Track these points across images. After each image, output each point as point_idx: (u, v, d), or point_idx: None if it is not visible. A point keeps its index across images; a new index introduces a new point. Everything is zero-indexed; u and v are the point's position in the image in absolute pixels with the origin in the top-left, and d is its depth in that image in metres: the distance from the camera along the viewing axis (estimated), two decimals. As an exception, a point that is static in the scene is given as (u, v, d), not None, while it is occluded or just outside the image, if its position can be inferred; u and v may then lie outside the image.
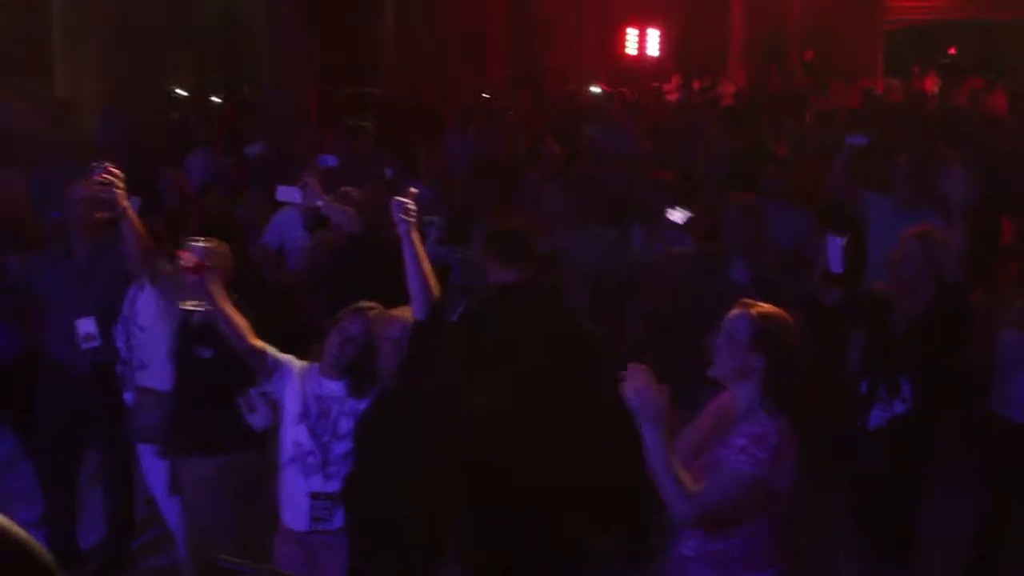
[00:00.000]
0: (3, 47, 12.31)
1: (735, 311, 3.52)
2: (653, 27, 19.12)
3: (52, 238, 5.83)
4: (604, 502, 5.17)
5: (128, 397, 5.47)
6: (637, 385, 3.27)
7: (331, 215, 6.09)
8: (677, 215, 6.11)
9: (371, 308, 4.45)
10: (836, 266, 5.26)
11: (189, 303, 4.48)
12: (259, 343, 4.47)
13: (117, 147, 8.76)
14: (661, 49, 19.20)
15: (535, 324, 4.68)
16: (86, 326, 5.49)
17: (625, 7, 19.81)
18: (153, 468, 5.49)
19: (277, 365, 4.46)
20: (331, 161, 6.92)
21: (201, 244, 4.50)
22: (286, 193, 6.36)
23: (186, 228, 6.84)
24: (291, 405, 4.43)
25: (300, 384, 4.43)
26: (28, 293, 5.65)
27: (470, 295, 5.31)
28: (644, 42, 19.17)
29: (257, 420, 4.78)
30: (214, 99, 13.99)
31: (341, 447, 4.32)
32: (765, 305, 3.54)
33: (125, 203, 5.05)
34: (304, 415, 4.38)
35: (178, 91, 14.46)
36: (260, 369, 4.48)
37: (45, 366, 5.69)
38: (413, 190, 4.26)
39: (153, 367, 5.35)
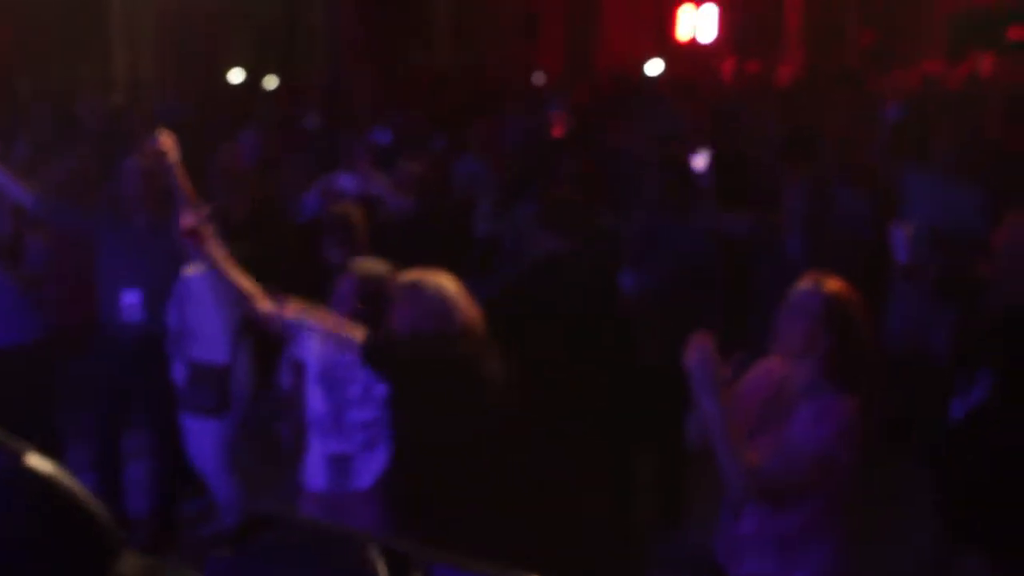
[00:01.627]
0: (66, 34, 12.53)
1: (806, 285, 3.43)
2: (709, 4, 18.93)
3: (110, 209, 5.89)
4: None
5: (179, 371, 5.53)
6: (699, 355, 3.24)
7: (388, 201, 6.14)
8: (699, 160, 6.04)
9: (369, 265, 4.40)
10: (901, 256, 5.19)
11: (190, 268, 4.48)
12: (271, 306, 4.43)
13: (173, 129, 8.91)
14: (717, 30, 19.03)
15: (575, 291, 4.69)
16: (130, 297, 5.53)
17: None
18: (204, 440, 5.57)
19: (297, 327, 4.41)
20: (384, 136, 6.96)
21: (201, 207, 4.49)
22: (344, 181, 6.43)
23: (234, 207, 6.94)
24: (312, 367, 4.42)
25: (321, 345, 4.39)
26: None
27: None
28: (699, 23, 19.01)
29: (284, 382, 4.86)
30: (270, 79, 14.09)
31: (358, 413, 4.32)
32: (835, 281, 3.45)
33: (179, 173, 5.07)
34: (322, 377, 4.38)
35: (234, 73, 14.59)
36: (278, 332, 4.48)
37: (96, 336, 5.78)
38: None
39: (207, 340, 5.43)
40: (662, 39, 19.69)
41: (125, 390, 5.75)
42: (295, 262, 6.18)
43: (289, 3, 16.52)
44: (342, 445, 4.34)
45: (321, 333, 4.35)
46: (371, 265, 4.41)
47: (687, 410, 3.48)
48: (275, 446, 5.82)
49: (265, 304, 4.42)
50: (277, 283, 4.51)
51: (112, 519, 1.94)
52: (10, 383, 6.04)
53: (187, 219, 4.35)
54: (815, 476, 3.32)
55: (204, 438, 5.57)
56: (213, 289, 5.29)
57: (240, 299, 4.45)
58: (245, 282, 4.42)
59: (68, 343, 6.11)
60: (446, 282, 4.08)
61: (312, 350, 4.41)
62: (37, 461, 1.86)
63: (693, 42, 19.08)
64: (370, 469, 4.36)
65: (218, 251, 4.42)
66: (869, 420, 3.40)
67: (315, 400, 4.41)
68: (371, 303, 4.27)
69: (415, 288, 4.05)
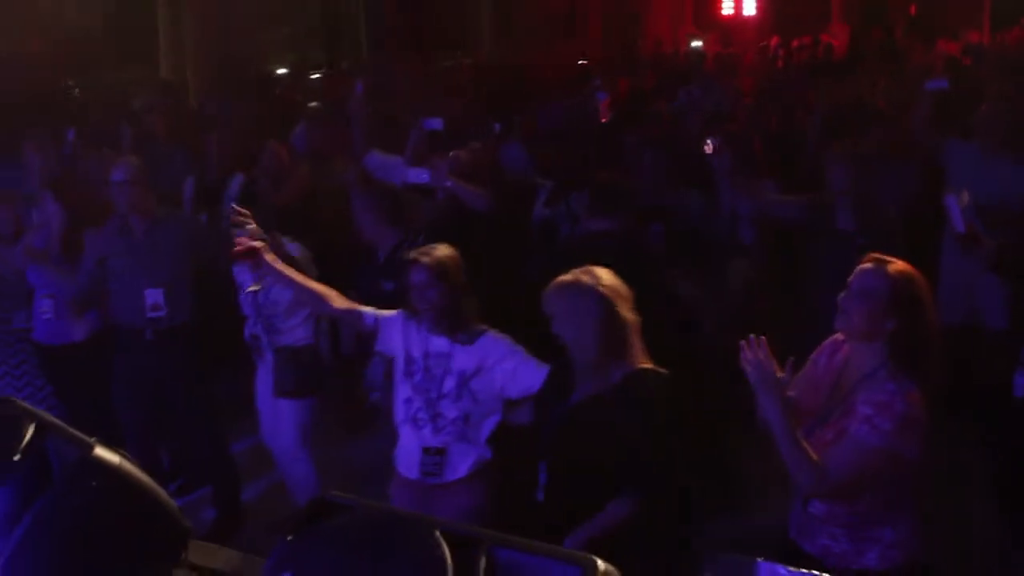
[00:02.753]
0: (115, 34, 12.72)
1: (869, 267, 3.36)
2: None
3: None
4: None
5: (267, 359, 5.69)
6: (754, 357, 3.20)
7: (461, 195, 6.16)
8: (708, 145, 5.98)
9: (431, 251, 4.33)
10: (959, 225, 5.13)
11: (251, 286, 4.54)
12: (347, 304, 4.47)
13: (220, 124, 9.02)
14: (758, 7, 18.90)
15: (616, 268, 4.68)
16: (153, 296, 5.70)
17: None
18: (286, 422, 5.70)
19: (377, 323, 4.45)
20: (436, 124, 6.99)
21: (250, 226, 4.53)
22: (416, 175, 6.47)
23: (287, 200, 7.02)
24: (397, 362, 4.44)
25: (403, 339, 4.41)
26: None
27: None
28: (740, 2, 18.88)
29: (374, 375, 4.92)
30: (314, 75, 14.19)
31: (451, 409, 4.30)
32: (900, 262, 3.38)
33: (263, 250, 4.84)
34: (408, 372, 4.39)
35: (278, 68, 14.73)
36: (360, 330, 4.52)
37: (115, 334, 5.93)
38: None
39: (285, 329, 5.59)
40: (704, 18, 19.59)
41: (158, 382, 5.89)
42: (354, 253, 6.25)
43: (330, 1, 16.63)
44: (438, 438, 4.34)
45: (408, 326, 4.37)
46: (440, 251, 4.34)
47: (744, 393, 3.45)
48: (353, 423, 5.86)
49: (343, 303, 4.48)
50: (339, 275, 4.55)
51: (178, 508, 1.99)
52: (70, 379, 6.23)
53: (240, 241, 4.41)
54: (880, 470, 3.29)
55: (286, 420, 5.70)
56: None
57: (315, 302, 4.48)
58: (317, 286, 4.47)
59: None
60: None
61: (397, 344, 4.43)
62: (105, 453, 1.91)
63: (737, 18, 18.97)
64: (466, 460, 4.37)
65: (279, 264, 4.46)
66: (932, 404, 3.34)
67: (405, 393, 4.41)
68: (451, 291, 4.27)
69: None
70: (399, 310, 4.47)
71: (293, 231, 5.49)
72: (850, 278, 3.39)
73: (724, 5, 19.13)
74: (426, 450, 4.33)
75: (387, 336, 4.45)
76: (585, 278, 3.73)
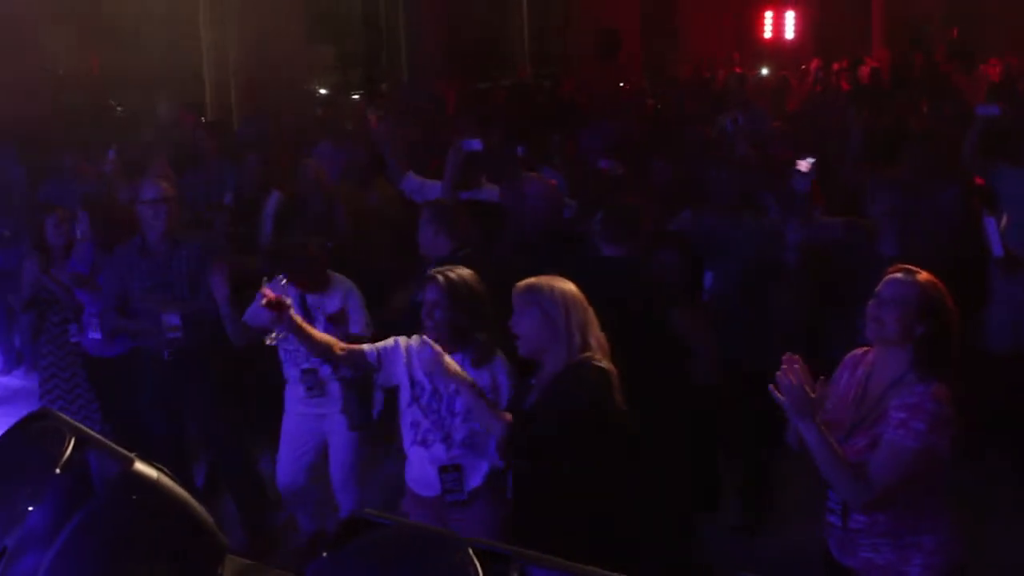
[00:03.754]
0: (162, 61, 12.94)
1: (899, 276, 3.49)
2: (790, 10, 18.83)
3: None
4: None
5: (331, 392, 5.63)
6: (788, 387, 3.26)
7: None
8: (804, 164, 5.94)
9: (445, 271, 4.34)
10: (996, 248, 5.07)
11: (270, 336, 4.63)
12: (348, 347, 4.50)
13: (259, 144, 9.12)
14: (797, 32, 18.88)
15: (618, 295, 4.67)
16: (171, 319, 5.74)
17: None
18: (341, 455, 5.69)
19: (379, 358, 4.45)
20: (476, 145, 7.03)
21: (281, 280, 4.59)
22: (488, 194, 6.58)
23: (331, 219, 7.08)
24: (403, 390, 4.45)
25: (407, 366, 4.42)
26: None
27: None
28: (780, 26, 18.87)
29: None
30: (354, 95, 14.33)
31: (461, 428, 4.30)
32: (925, 272, 3.51)
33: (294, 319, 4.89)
34: (415, 397, 4.39)
35: (321, 89, 14.88)
36: (365, 369, 4.53)
37: (142, 356, 6.00)
38: None
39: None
40: (743, 41, 19.58)
41: (182, 401, 5.95)
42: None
43: (372, 23, 16.79)
44: (450, 455, 4.34)
45: (411, 351, 4.40)
46: (459, 272, 4.35)
47: (771, 413, 3.49)
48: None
49: (344, 347, 4.52)
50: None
51: (216, 524, 2.01)
52: (115, 391, 6.33)
53: (267, 292, 4.44)
54: (919, 470, 3.36)
55: (343, 452, 5.68)
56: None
57: (323, 352, 4.56)
58: (322, 337, 4.54)
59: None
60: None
61: (400, 372, 4.44)
62: (145, 467, 1.93)
63: (776, 43, 18.96)
64: (479, 472, 4.38)
65: (298, 320, 4.50)
66: (961, 408, 3.43)
67: (412, 417, 4.42)
68: (459, 313, 4.27)
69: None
70: (395, 337, 4.51)
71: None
72: (879, 288, 3.50)
73: (764, 29, 19.13)
74: (443, 469, 4.34)
75: (389, 367, 4.46)
76: (537, 281, 3.98)
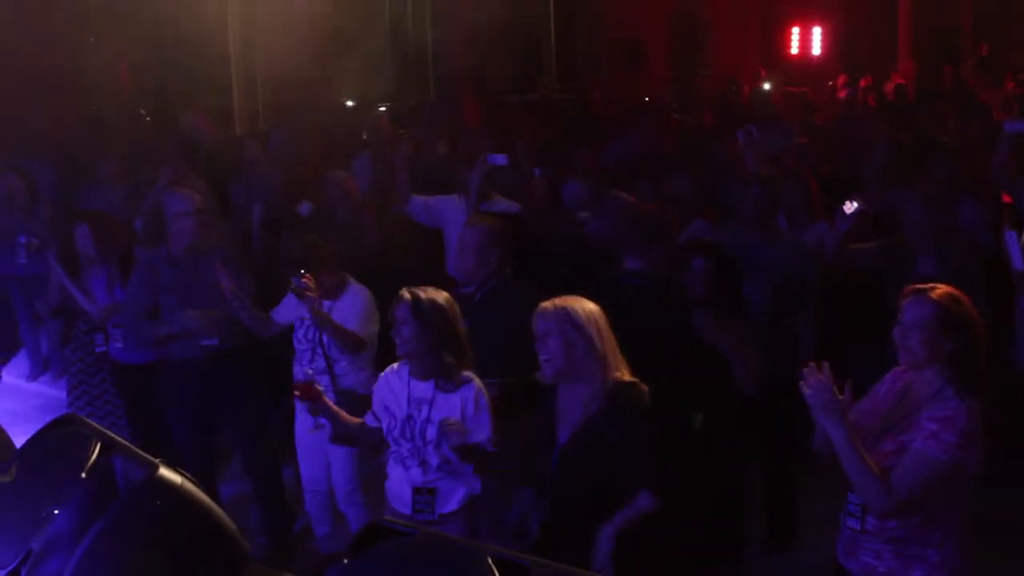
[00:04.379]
0: (190, 72, 13.05)
1: (914, 298, 3.47)
2: (816, 25, 18.80)
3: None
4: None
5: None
6: (815, 384, 3.29)
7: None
8: (849, 207, 5.87)
9: (421, 291, 4.35)
10: (1017, 262, 5.03)
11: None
12: (361, 427, 4.60)
13: (287, 156, 9.18)
14: (823, 47, 18.84)
15: (644, 308, 4.69)
16: (203, 328, 5.78)
17: (789, 6, 19.51)
18: (338, 464, 5.71)
19: (376, 416, 4.53)
20: (501, 160, 7.06)
21: (310, 371, 4.76)
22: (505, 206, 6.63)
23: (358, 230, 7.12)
24: (381, 414, 4.50)
25: (384, 390, 4.49)
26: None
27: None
28: (807, 41, 18.84)
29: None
30: (381, 107, 14.37)
31: (434, 455, 4.32)
32: (941, 286, 3.49)
33: (320, 314, 5.28)
34: (392, 421, 4.42)
35: (347, 101, 14.93)
36: (380, 440, 4.58)
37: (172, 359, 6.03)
38: None
39: (347, 371, 5.59)
40: (770, 56, 19.54)
41: (208, 408, 6.00)
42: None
43: (399, 34, 16.86)
44: (426, 478, 4.38)
45: (389, 376, 4.49)
46: (430, 293, 4.36)
47: (793, 427, 3.50)
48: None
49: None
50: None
51: (238, 530, 2.03)
52: (142, 398, 6.36)
53: (300, 386, 4.57)
54: (944, 483, 3.37)
55: (340, 464, 5.71)
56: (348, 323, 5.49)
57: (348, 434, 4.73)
58: (350, 422, 4.63)
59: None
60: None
61: (379, 398, 4.52)
62: (169, 473, 1.96)
63: (803, 58, 18.92)
64: (455, 495, 4.41)
65: (333, 408, 4.60)
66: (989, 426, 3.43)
67: (394, 433, 4.45)
68: (427, 333, 4.28)
69: None
70: (379, 377, 4.61)
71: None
72: (900, 313, 3.49)
73: (791, 44, 19.10)
74: (416, 490, 4.38)
75: (382, 412, 4.52)
76: (564, 303, 3.99)
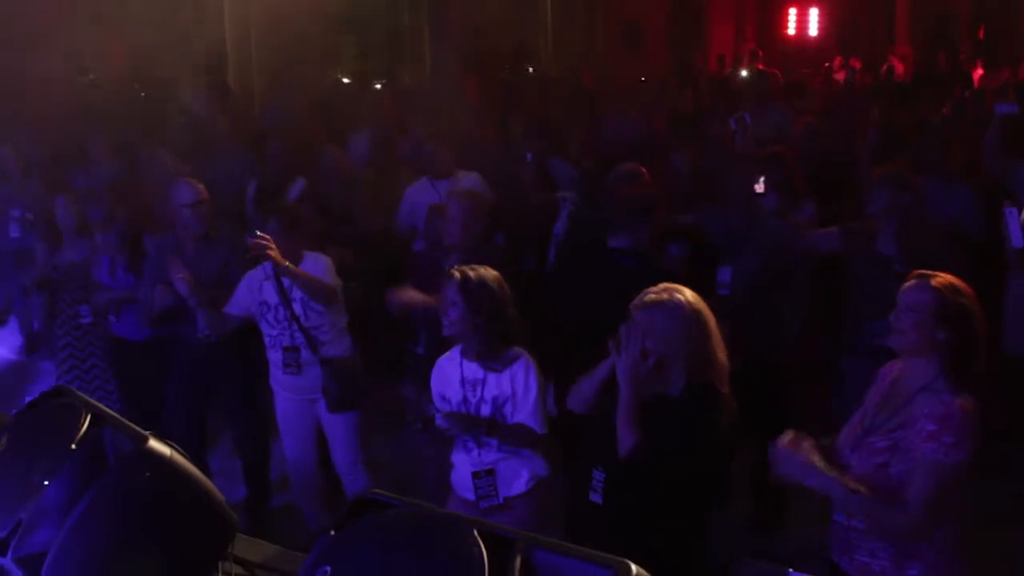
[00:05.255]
0: (184, 49, 13.03)
1: (913, 283, 3.40)
2: (813, 7, 18.77)
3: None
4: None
5: (308, 374, 5.62)
6: (780, 458, 3.30)
7: None
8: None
9: (471, 269, 4.28)
10: (1016, 238, 5.00)
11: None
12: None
13: (282, 132, 9.17)
14: (820, 29, 18.81)
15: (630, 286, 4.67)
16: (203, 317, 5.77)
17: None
18: (339, 437, 5.69)
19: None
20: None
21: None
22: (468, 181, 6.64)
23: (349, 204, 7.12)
24: (440, 404, 4.44)
25: (439, 379, 4.43)
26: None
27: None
28: (804, 22, 18.82)
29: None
30: (377, 84, 14.35)
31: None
32: (946, 276, 3.40)
33: (281, 261, 5.24)
34: (449, 408, 4.35)
35: (343, 78, 14.91)
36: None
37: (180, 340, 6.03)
38: None
39: (329, 340, 5.57)
40: (767, 39, 19.52)
41: (209, 386, 6.03)
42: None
43: (393, 12, 16.81)
44: (485, 459, 4.32)
45: (444, 361, 4.42)
46: (481, 271, 4.29)
47: (781, 409, 3.47)
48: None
49: None
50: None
51: (226, 502, 2.05)
52: (137, 372, 6.40)
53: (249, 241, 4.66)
54: (950, 484, 3.29)
55: (340, 435, 5.68)
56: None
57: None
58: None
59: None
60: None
61: (437, 380, 4.45)
62: (159, 445, 1.97)
63: (800, 39, 18.89)
64: (520, 477, 4.35)
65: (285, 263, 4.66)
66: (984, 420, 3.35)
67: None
68: (475, 313, 4.22)
69: None
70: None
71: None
72: (899, 297, 3.42)
73: (788, 26, 19.07)
74: (476, 474, 4.32)
75: (436, 391, 4.48)
76: (678, 296, 3.65)
